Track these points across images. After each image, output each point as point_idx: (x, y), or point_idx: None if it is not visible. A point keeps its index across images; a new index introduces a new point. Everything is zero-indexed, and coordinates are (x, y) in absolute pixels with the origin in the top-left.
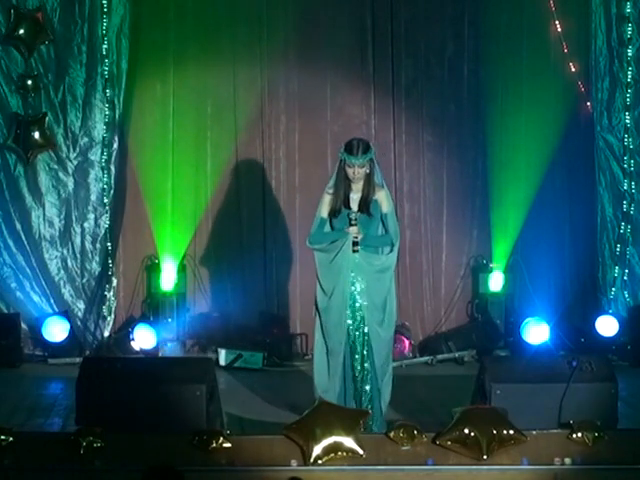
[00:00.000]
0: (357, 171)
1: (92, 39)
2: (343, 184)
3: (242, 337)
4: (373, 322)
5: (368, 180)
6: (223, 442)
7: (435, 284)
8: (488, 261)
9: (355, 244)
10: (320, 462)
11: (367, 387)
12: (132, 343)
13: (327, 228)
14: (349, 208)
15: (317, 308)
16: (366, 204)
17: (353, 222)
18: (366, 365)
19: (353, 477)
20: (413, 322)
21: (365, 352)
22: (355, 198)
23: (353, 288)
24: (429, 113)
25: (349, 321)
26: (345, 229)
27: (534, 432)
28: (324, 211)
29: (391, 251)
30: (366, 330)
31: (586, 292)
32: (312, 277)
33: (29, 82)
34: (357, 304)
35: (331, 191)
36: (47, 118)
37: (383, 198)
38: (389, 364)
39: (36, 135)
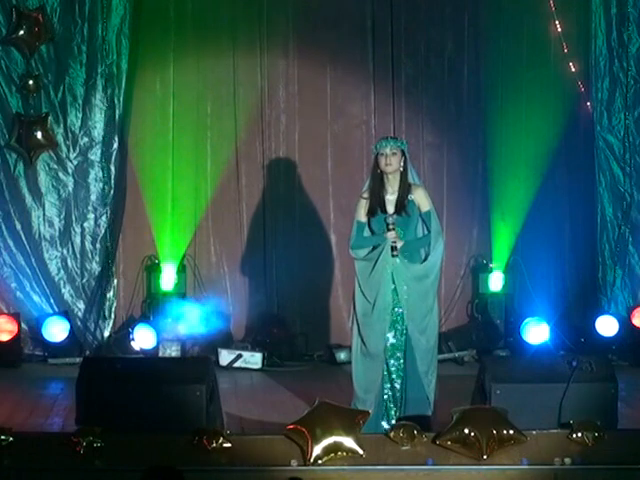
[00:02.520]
0: (389, 160)
1: (92, 39)
2: (378, 185)
3: (242, 337)
4: (414, 330)
5: (402, 179)
6: (223, 442)
7: None
8: (488, 261)
9: (394, 249)
10: (320, 462)
11: (398, 394)
12: (132, 343)
13: (367, 232)
14: (385, 211)
15: (356, 316)
16: (402, 205)
17: (390, 226)
18: (401, 371)
19: (353, 477)
20: None
21: (404, 359)
22: (391, 200)
23: (394, 296)
24: (429, 113)
25: (389, 333)
26: (383, 234)
27: (534, 432)
28: (362, 215)
29: (427, 258)
30: (405, 337)
31: (586, 292)
32: (312, 277)
33: (30, 82)
34: (397, 310)
35: (366, 195)
36: (49, 118)
37: (422, 197)
38: (434, 372)
39: (38, 135)
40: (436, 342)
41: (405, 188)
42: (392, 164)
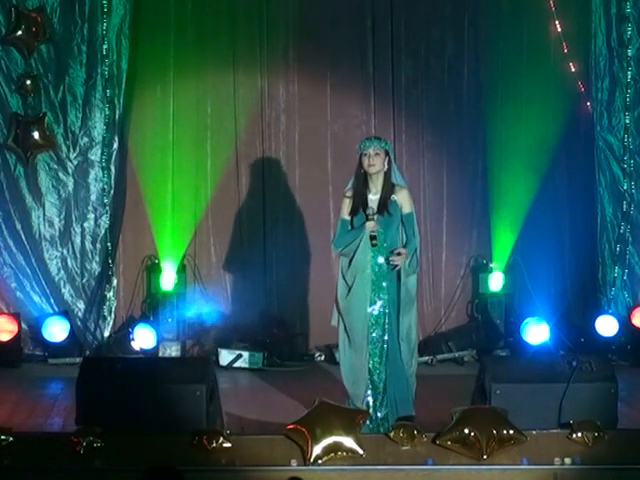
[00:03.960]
0: (372, 160)
1: (92, 39)
2: (361, 185)
3: (242, 337)
4: (399, 332)
5: (386, 179)
6: (223, 442)
7: (435, 284)
8: (488, 261)
9: (373, 238)
10: (320, 462)
11: (380, 393)
12: (132, 343)
13: (349, 229)
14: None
15: (338, 309)
16: (385, 205)
17: (370, 217)
18: (382, 370)
19: (353, 477)
20: None
21: (386, 358)
22: (374, 199)
23: (375, 288)
24: (429, 113)
25: (371, 310)
26: (362, 225)
27: (534, 432)
28: (345, 213)
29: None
30: (387, 337)
31: (586, 292)
32: (312, 277)
33: (28, 82)
34: (377, 297)
35: (349, 194)
36: (47, 118)
37: (405, 198)
38: (414, 373)
39: (35, 135)
40: (416, 344)
41: (388, 188)
42: (375, 164)
